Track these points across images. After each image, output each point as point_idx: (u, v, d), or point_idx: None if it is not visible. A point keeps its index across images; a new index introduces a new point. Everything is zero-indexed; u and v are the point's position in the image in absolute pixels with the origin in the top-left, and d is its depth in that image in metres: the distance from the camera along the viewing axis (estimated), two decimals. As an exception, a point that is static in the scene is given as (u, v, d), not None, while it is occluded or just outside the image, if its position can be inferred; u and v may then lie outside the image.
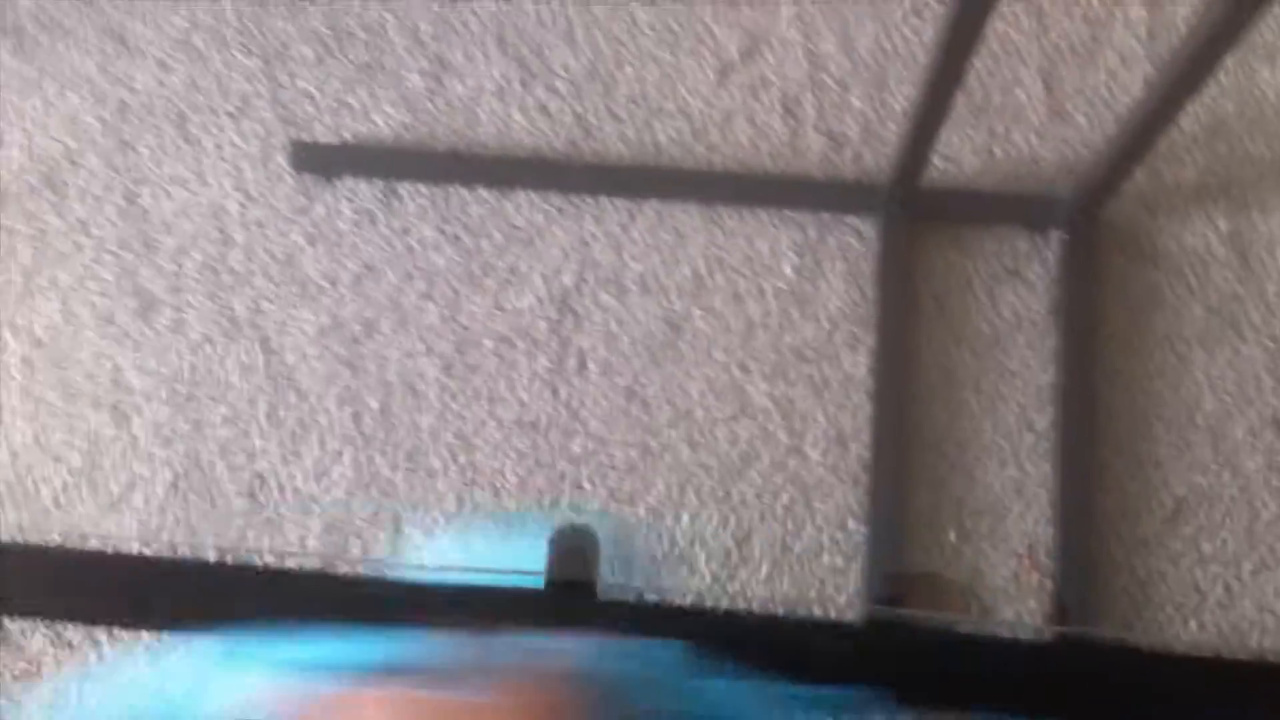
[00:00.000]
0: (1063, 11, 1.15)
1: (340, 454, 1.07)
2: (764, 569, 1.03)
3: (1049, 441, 1.04)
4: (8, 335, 1.11)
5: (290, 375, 1.09)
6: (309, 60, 1.16)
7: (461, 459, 1.06)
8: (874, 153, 1.12)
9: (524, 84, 1.15)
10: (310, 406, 1.08)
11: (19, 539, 1.05)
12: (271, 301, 1.11)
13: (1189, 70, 0.87)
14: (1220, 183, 1.10)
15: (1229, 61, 1.11)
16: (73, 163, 1.14)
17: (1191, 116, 1.11)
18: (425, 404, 1.08)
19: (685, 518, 1.04)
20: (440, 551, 1.03)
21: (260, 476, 1.06)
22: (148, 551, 1.04)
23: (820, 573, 1.02)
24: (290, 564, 1.03)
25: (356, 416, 1.08)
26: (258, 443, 1.08)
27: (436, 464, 1.06)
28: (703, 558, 1.03)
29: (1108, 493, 1.03)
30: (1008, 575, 1.02)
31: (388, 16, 1.17)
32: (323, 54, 1.16)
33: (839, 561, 1.02)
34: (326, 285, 1.11)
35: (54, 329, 1.10)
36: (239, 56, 1.16)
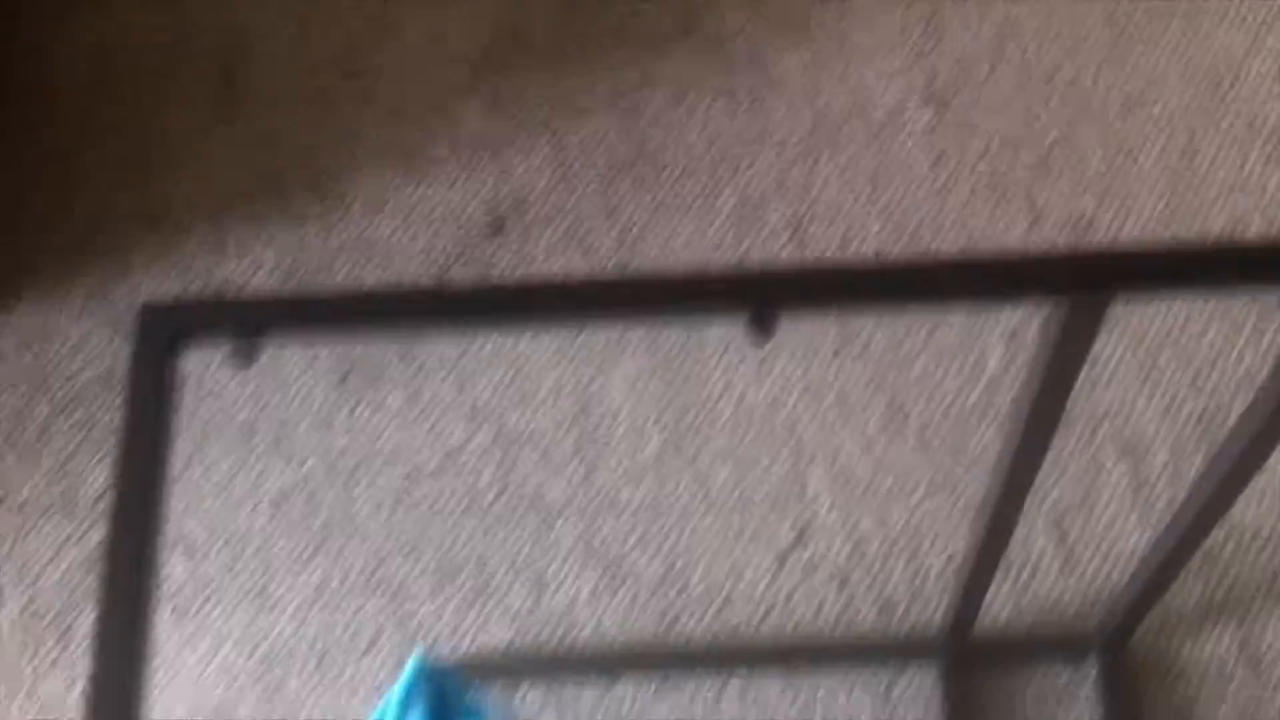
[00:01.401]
0: (1056, 477, 1.36)
1: None
2: None
3: None
4: None
5: None
6: (426, 593, 1.35)
7: None
8: (919, 611, 1.30)
9: (611, 589, 1.34)
10: None
11: None
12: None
13: (1187, 537, 1.06)
14: (1220, 604, 1.28)
15: (1204, 499, 1.32)
16: (230, 713, 1.30)
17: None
18: None
19: None
20: None
21: None
22: None
23: None
24: None
25: None
26: None
27: None
28: None
29: None
30: None
31: (489, 549, 1.37)
32: (437, 587, 1.35)
33: None
34: (458, 788, 1.25)
35: None
36: (365, 599, 1.35)
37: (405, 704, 0.75)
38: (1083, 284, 0.74)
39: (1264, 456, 0.91)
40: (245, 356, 0.74)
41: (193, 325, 0.74)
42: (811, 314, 0.77)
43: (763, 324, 0.72)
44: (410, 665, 0.76)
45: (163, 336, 0.73)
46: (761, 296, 0.73)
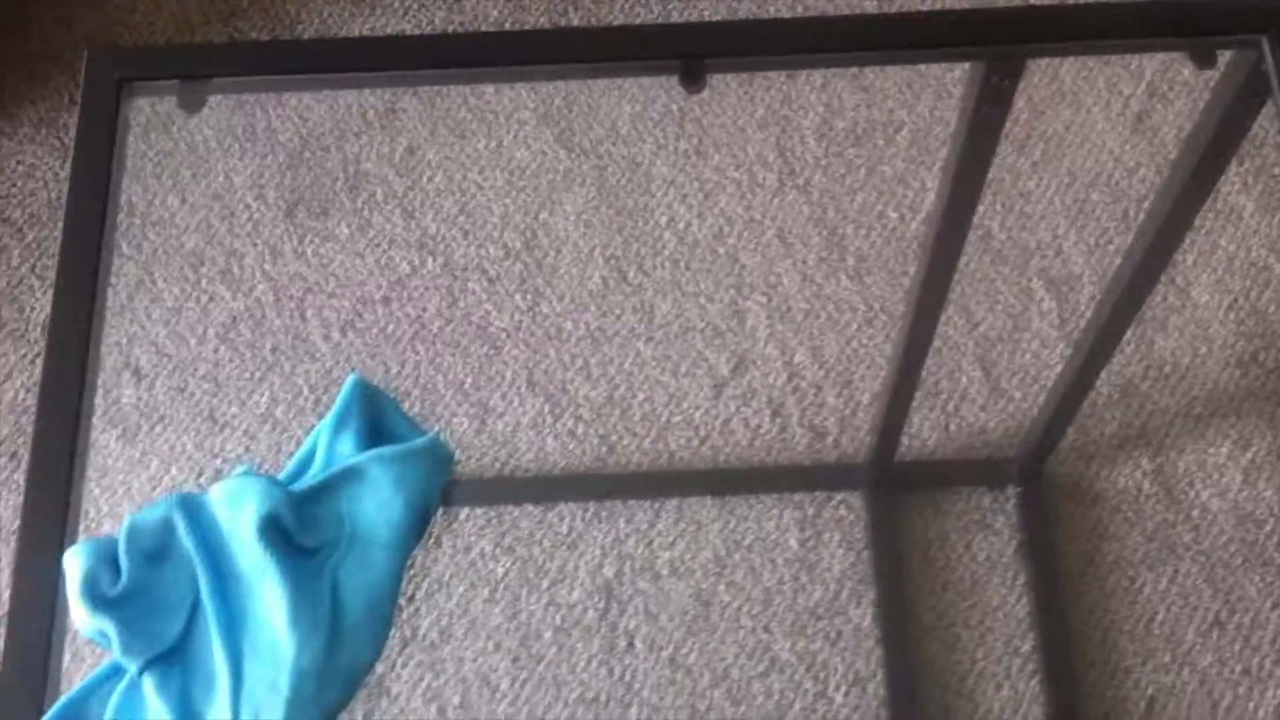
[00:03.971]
0: (986, 310, 1.40)
1: (430, 747, 1.24)
2: (809, 802, 1.19)
3: (1034, 663, 1.23)
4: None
5: (381, 682, 1.27)
6: (372, 417, 1.38)
7: (535, 738, 1.23)
8: (850, 439, 1.34)
9: (553, 416, 1.38)
10: (400, 708, 1.25)
11: None
12: (358, 622, 1.29)
13: (1095, 349, 1.12)
14: (1138, 432, 1.33)
15: (1130, 335, 1.36)
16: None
17: (1106, 382, 1.34)
18: (498, 694, 1.25)
19: (736, 763, 1.21)
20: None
21: (371, 766, 1.22)
22: None
23: (858, 797, 1.19)
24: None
25: (441, 711, 1.25)
26: (357, 746, 1.24)
27: (514, 745, 1.23)
28: (755, 798, 1.19)
29: (1089, 699, 1.20)
30: (1018, 782, 1.18)
31: (436, 375, 1.40)
32: (383, 410, 1.39)
33: (872, 788, 1.19)
34: (403, 603, 1.30)
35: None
36: (314, 420, 1.38)
37: (339, 423, 0.75)
38: (1000, 39, 0.77)
39: (1169, 253, 0.95)
40: (193, 101, 0.76)
41: (139, 67, 0.76)
42: (740, 67, 0.80)
43: (693, 75, 0.75)
44: (346, 385, 0.76)
45: (110, 77, 0.74)
46: (691, 48, 0.75)
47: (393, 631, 1.29)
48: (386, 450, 0.73)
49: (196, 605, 0.67)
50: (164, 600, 0.66)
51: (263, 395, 1.40)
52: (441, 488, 0.75)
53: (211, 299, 1.47)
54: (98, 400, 1.42)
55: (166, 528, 0.68)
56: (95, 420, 1.41)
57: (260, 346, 1.43)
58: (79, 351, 0.71)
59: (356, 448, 0.73)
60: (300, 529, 0.68)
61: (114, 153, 0.75)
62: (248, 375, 1.42)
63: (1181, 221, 0.92)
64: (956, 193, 0.89)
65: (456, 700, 1.25)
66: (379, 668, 1.27)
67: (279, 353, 1.43)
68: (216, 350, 1.43)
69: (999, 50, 0.77)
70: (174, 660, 0.66)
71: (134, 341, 1.44)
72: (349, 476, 0.72)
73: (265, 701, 0.65)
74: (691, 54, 0.75)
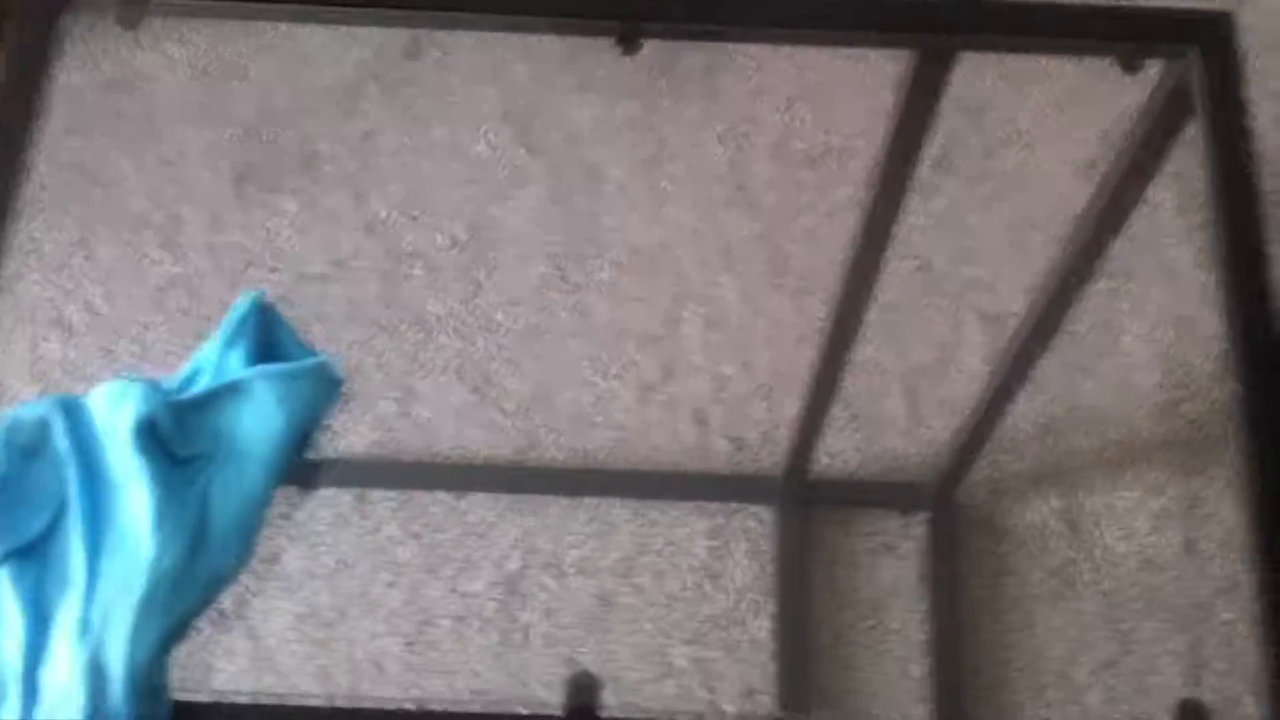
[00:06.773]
0: (918, 339, 1.41)
1: (317, 723, 1.23)
2: (688, 810, 1.19)
3: (926, 688, 1.23)
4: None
5: (271, 658, 1.26)
6: (296, 391, 1.38)
7: (424, 723, 1.23)
8: (769, 453, 1.35)
9: (478, 406, 1.38)
10: (289, 685, 1.25)
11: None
12: (256, 595, 1.29)
13: (1006, 381, 1.12)
14: (1051, 470, 1.33)
15: (1056, 373, 1.37)
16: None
17: (1027, 419, 1.35)
18: (389, 678, 1.25)
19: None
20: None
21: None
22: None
23: (736, 808, 1.19)
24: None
25: (328, 692, 1.25)
26: None
27: (402, 729, 1.22)
28: (635, 801, 1.19)
29: (977, 729, 1.21)
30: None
31: (366, 357, 1.40)
32: (308, 386, 1.39)
33: (753, 800, 1.19)
34: (305, 579, 1.30)
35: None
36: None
37: (230, 340, 0.75)
38: (933, 28, 0.78)
39: (1087, 276, 0.96)
40: (132, 17, 0.76)
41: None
42: (674, 35, 0.81)
43: (629, 38, 0.75)
44: (243, 304, 0.75)
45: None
46: (629, 8, 0.76)
47: (285, 605, 1.29)
48: (273, 368, 0.73)
49: (64, 505, 0.67)
50: (31, 495, 0.66)
51: (190, 362, 1.40)
52: (328, 410, 0.75)
53: (151, 262, 1.47)
54: (24, 353, 1.42)
55: (44, 426, 0.68)
56: (20, 373, 1.41)
57: (192, 313, 1.43)
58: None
59: (245, 365, 0.73)
60: (176, 437, 0.68)
61: (46, 71, 0.75)
62: (177, 341, 1.42)
63: (1100, 242, 0.93)
64: (884, 186, 0.90)
65: (345, 682, 1.25)
66: (271, 642, 1.28)
67: (211, 321, 1.41)
68: (149, 314, 1.44)
69: (931, 40, 0.77)
70: (33, 555, 0.66)
71: (68, 297, 1.44)
72: (233, 391, 0.71)
73: (116, 601, 0.65)
74: (629, 16, 0.75)
